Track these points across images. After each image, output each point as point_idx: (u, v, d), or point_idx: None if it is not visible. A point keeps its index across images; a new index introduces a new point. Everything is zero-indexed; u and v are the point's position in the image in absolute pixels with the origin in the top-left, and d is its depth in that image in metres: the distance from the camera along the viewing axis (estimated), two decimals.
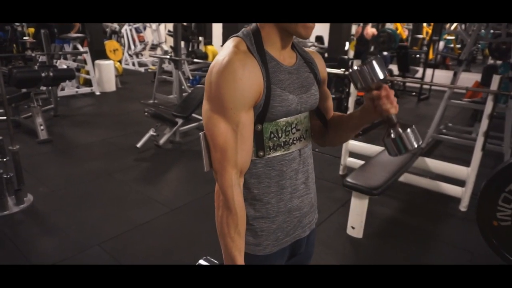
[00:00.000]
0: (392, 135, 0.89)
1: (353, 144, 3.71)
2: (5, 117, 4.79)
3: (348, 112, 1.21)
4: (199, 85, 4.84)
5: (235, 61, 0.85)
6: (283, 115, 0.95)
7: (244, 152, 0.91)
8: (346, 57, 5.22)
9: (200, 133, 0.93)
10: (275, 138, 0.96)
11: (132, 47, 9.84)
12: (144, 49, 10.16)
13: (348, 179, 2.63)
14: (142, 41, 9.99)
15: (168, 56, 6.42)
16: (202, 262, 0.99)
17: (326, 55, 7.77)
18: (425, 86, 7.69)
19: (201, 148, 0.92)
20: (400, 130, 0.88)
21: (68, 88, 6.60)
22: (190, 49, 9.39)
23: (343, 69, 3.79)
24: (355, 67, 0.89)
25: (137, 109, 5.96)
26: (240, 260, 0.93)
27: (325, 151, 4.28)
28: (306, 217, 1.07)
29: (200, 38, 9.67)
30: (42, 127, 4.32)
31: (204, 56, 7.92)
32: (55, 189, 3.22)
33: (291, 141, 0.98)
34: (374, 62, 0.87)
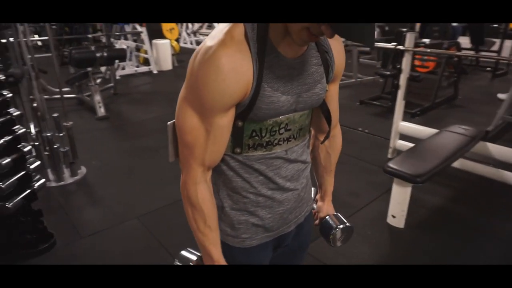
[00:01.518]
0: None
1: (405, 126, 3.42)
2: (70, 95, 5.25)
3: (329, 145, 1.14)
4: None
5: (221, 56, 0.73)
6: (271, 117, 0.84)
7: (214, 153, 0.83)
8: (404, 29, 4.75)
9: (168, 123, 0.87)
10: (256, 137, 0.85)
11: (190, 25, 10.03)
12: (201, 27, 10.31)
13: (390, 164, 2.43)
14: None
15: None
16: (183, 253, 0.96)
17: (386, 28, 7.20)
18: (503, 61, 6.80)
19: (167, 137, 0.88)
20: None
21: (128, 67, 6.96)
22: None
23: (394, 43, 3.46)
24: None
25: None
26: (216, 253, 0.89)
27: (375, 132, 4.03)
28: (291, 213, 1.00)
29: None
30: (100, 105, 4.62)
31: None
32: (106, 163, 3.45)
33: (276, 141, 0.88)
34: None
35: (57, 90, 5.33)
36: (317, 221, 1.18)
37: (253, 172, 0.89)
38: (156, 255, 2.22)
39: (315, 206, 1.20)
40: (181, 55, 8.50)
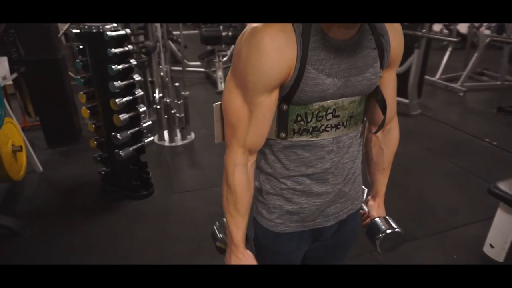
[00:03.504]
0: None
1: None
2: (200, 69, 5.87)
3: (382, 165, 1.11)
4: None
5: (265, 36, 0.73)
6: (316, 100, 0.81)
7: (256, 136, 0.83)
8: None
9: (214, 104, 0.90)
10: (302, 122, 0.83)
11: None
12: None
13: (499, 185, 2.06)
14: None
15: None
16: (224, 219, 0.97)
17: None
18: None
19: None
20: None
21: None
22: None
23: None
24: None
25: None
26: (237, 236, 0.90)
27: (505, 147, 3.40)
28: (331, 207, 0.96)
29: None
30: (221, 80, 5.05)
31: None
32: (212, 133, 3.81)
33: (323, 127, 0.84)
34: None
35: (191, 63, 6.04)
36: (365, 221, 1.12)
37: (295, 159, 0.88)
38: None
39: (365, 207, 1.14)
40: None
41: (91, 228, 2.35)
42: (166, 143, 3.52)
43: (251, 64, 0.75)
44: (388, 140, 1.05)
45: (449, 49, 5.61)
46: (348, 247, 1.11)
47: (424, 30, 3.90)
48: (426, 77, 5.02)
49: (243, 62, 0.76)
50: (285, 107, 0.82)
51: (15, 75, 3.09)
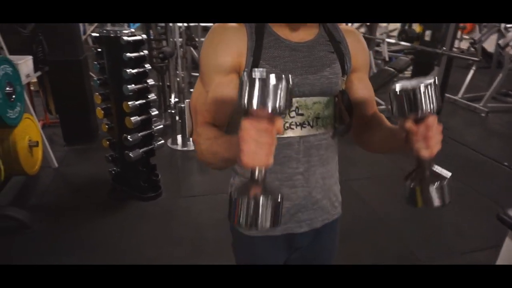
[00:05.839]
0: (412, 183, 0.72)
1: None
2: None
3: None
4: (385, 68, 4.48)
5: (217, 28, 0.85)
6: None
7: (216, 113, 0.85)
8: None
9: (186, 101, 0.97)
10: None
11: None
12: None
13: (509, 211, 1.99)
14: None
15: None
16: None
17: None
18: None
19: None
20: (424, 181, 0.70)
21: None
22: (405, 27, 8.58)
23: None
24: (397, 87, 0.67)
25: None
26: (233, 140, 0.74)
27: None
28: (303, 213, 0.97)
29: None
30: None
31: (416, 38, 7.11)
32: None
33: (287, 124, 0.88)
34: (422, 88, 0.64)
35: None
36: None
37: None
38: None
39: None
40: None
41: (97, 225, 2.41)
42: (179, 147, 3.59)
43: (204, 51, 0.86)
44: (378, 116, 0.97)
45: (473, 67, 5.48)
46: (327, 258, 1.09)
47: (444, 48, 3.84)
48: (447, 95, 4.92)
49: (201, 52, 0.87)
50: None
51: (38, 73, 3.24)
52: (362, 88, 0.96)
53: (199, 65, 0.89)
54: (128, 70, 2.33)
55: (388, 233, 2.46)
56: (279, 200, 0.62)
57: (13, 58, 2.69)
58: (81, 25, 5.07)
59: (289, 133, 0.89)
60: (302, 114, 0.88)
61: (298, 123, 0.88)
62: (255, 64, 0.83)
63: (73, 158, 3.30)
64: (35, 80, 3.57)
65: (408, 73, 5.15)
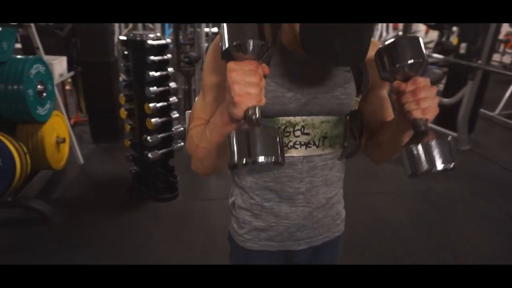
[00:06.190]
0: (412, 147, 0.66)
1: None
2: None
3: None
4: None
5: (217, 42, 0.80)
6: (278, 114, 0.82)
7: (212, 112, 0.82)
8: None
9: (186, 112, 0.97)
10: None
11: (384, 34, 9.67)
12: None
13: None
14: (395, 28, 9.65)
15: None
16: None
17: None
18: None
19: None
20: (423, 141, 0.66)
21: None
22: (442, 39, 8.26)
23: None
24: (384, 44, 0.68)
25: None
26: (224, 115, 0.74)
27: None
28: (302, 232, 0.94)
29: (454, 28, 8.23)
30: None
31: (452, 50, 6.82)
32: None
33: (291, 144, 0.84)
34: (402, 41, 0.66)
35: None
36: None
37: (266, 175, 0.89)
38: None
39: None
40: None
41: (114, 222, 2.48)
42: None
43: (207, 62, 0.82)
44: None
45: None
46: None
47: (480, 62, 3.66)
48: (483, 110, 4.68)
49: (204, 64, 0.84)
50: None
51: (72, 73, 3.40)
52: (377, 109, 0.91)
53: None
54: (151, 73, 2.39)
55: (403, 249, 2.35)
56: (276, 132, 0.62)
57: (48, 58, 2.85)
58: (116, 28, 5.29)
59: (293, 153, 0.85)
60: (308, 134, 0.85)
61: (303, 143, 0.85)
62: None
63: (98, 156, 3.42)
64: (69, 79, 3.75)
65: (441, 86, 4.95)
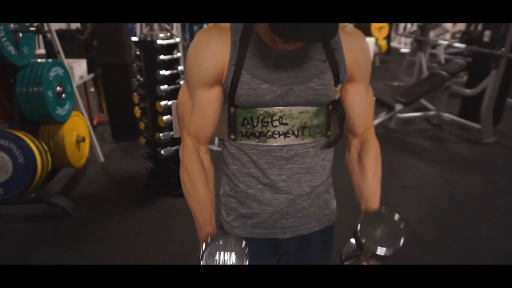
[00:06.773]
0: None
1: None
2: None
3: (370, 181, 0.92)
4: (436, 72, 4.20)
5: (201, 36, 0.84)
6: (255, 105, 0.85)
7: (198, 126, 0.88)
8: None
9: (173, 101, 0.98)
10: (248, 126, 0.87)
11: (409, 25, 9.38)
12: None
13: None
14: None
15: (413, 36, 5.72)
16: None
17: None
18: None
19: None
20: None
21: None
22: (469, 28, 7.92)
23: None
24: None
25: (379, 88, 5.87)
26: (201, 218, 0.89)
27: None
28: (287, 220, 0.96)
29: None
30: None
31: (479, 39, 6.52)
32: None
33: (269, 133, 0.87)
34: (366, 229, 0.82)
35: None
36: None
37: (248, 162, 0.91)
38: None
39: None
40: (390, 56, 8.19)
41: (129, 217, 2.57)
42: (215, 147, 3.68)
43: (189, 59, 0.85)
44: (365, 149, 0.95)
45: None
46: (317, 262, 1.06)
47: (503, 49, 3.49)
48: (510, 100, 4.46)
49: (186, 60, 0.86)
50: (232, 110, 0.87)
51: (92, 75, 3.54)
52: (355, 100, 0.91)
53: (186, 69, 0.87)
54: (161, 72, 2.46)
55: (419, 248, 2.30)
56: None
57: (68, 61, 2.99)
58: (138, 29, 5.44)
59: (271, 142, 0.88)
60: (286, 124, 0.86)
61: (281, 132, 0.87)
62: (237, 73, 0.82)
63: (118, 154, 3.55)
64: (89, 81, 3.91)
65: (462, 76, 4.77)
